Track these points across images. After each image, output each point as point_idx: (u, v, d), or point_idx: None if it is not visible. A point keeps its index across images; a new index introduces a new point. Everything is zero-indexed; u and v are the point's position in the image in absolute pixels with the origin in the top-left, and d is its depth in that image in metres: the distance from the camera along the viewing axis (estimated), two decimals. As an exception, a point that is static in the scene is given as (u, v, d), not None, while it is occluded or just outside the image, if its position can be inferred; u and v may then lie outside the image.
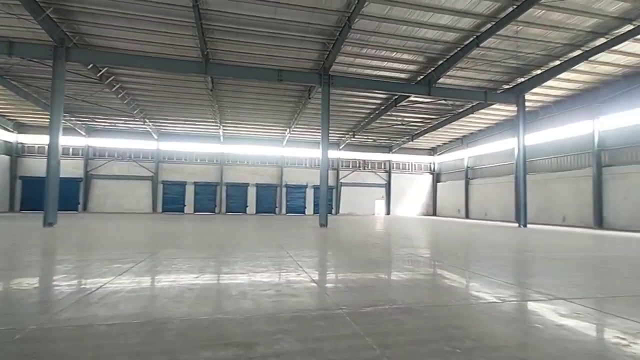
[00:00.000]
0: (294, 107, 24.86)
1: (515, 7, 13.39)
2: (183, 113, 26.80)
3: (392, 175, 38.25)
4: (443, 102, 23.04)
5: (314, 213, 33.75)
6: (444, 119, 27.60)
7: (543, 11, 13.71)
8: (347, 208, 36.59)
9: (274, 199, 34.64)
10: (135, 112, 25.36)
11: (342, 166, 36.85)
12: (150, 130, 30.61)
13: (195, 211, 32.62)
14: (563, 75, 18.77)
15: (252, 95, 22.87)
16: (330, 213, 34.89)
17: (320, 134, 19.10)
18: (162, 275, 5.37)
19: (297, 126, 29.42)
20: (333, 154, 34.98)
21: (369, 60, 18.00)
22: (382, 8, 13.71)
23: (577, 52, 16.66)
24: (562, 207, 23.32)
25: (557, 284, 5.28)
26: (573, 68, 17.68)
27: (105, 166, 31.70)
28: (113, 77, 20.02)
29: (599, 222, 20.58)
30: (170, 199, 32.50)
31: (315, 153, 34.49)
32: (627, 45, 15.76)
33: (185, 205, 32.74)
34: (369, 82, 19.34)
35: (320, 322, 3.38)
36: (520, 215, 20.49)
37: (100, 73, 19.16)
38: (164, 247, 8.71)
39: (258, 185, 34.24)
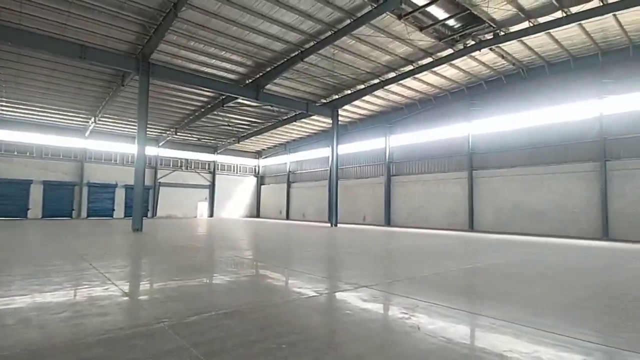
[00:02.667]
0: (103, 93, 21.12)
1: (333, 32, 15.25)
2: None
3: (217, 176, 37.39)
4: (269, 107, 24.11)
5: (126, 216, 29.53)
6: (270, 124, 28.91)
7: (354, 41, 16.13)
8: (166, 210, 33.57)
9: (70, 200, 28.45)
10: None
11: (161, 165, 33.61)
12: None
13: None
14: (366, 97, 22.61)
15: (44, 71, 18.19)
16: (146, 216, 31.26)
17: (135, 128, 16.85)
18: None
19: (106, 116, 25.16)
20: (151, 150, 31.53)
21: (197, 55, 17.08)
22: (213, 3, 13.23)
23: (377, 80, 20.34)
24: (363, 208, 27.89)
25: (360, 274, 6.20)
26: (373, 93, 21.50)
27: None
28: None
29: (388, 220, 25.60)
30: None
31: (129, 148, 30.30)
32: (409, 81, 20.29)
33: None
34: (195, 77, 18.34)
35: (137, 340, 2.89)
36: (332, 216, 23.38)
37: None
38: None
39: (47, 183, 27.42)
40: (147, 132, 16.38)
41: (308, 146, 34.03)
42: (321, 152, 32.39)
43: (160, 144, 32.70)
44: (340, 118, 25.34)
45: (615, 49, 16.24)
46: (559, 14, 13.51)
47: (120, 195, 30.67)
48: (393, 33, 15.37)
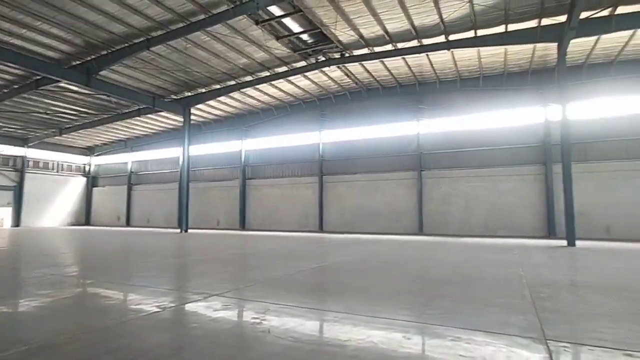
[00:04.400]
0: None
1: (185, 24, 14.27)
2: None
3: (27, 175, 30.04)
4: (105, 97, 20.87)
5: None
6: (106, 116, 25.03)
7: (209, 38, 15.45)
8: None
9: None
10: None
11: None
12: None
13: None
14: (222, 98, 21.97)
15: None
16: None
17: None
18: None
19: None
20: None
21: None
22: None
23: (233, 82, 20.00)
24: (217, 212, 26.88)
25: (211, 282, 5.90)
26: (230, 94, 21.06)
27: None
28: None
29: (243, 224, 25.35)
30: None
31: None
32: (265, 87, 20.65)
33: None
34: (-3, 47, 14.43)
35: None
36: (182, 221, 21.75)
37: None
38: None
39: None
40: None
41: (156, 145, 30.87)
42: (171, 151, 29.86)
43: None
44: (193, 117, 23.91)
45: (428, 81, 20.24)
46: (390, 47, 16.00)
47: None
48: (250, 37, 15.42)
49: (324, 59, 17.40)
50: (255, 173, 25.83)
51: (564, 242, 13.04)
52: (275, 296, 4.77)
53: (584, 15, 12.03)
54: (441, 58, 17.34)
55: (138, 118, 24.75)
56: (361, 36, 15.43)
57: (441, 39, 15.12)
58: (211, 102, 22.57)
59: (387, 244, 13.47)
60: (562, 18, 13.01)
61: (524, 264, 8.03)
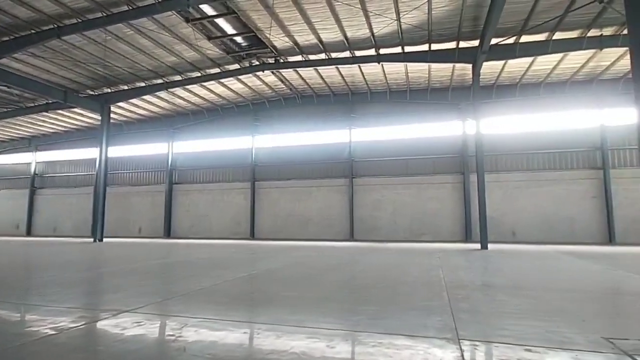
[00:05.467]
0: None
1: (105, 15, 13.08)
2: None
3: None
4: (5, 88, 18.26)
5: None
6: (5, 110, 21.91)
7: (133, 32, 14.34)
8: None
9: None
10: None
11: None
12: None
13: None
14: (148, 97, 20.48)
15: None
16: None
17: None
18: None
19: None
20: None
21: None
22: None
23: (160, 81, 18.77)
24: (139, 219, 24.86)
25: (124, 296, 5.33)
26: (156, 94, 19.72)
27: None
28: None
29: (169, 232, 23.76)
30: None
31: None
32: (196, 88, 19.71)
33: None
34: None
35: None
36: (97, 229, 19.70)
37: None
38: None
39: None
40: None
41: (68, 144, 27.78)
42: (86, 152, 27.04)
43: None
44: (114, 116, 21.99)
45: (360, 91, 21.03)
46: (324, 56, 16.32)
47: None
48: (180, 35, 14.64)
49: (258, 63, 17.17)
50: (184, 177, 24.47)
51: (479, 246, 14.29)
52: (196, 309, 4.45)
53: (494, 41, 13.47)
54: (372, 70, 18.14)
55: (46, 114, 22.03)
56: (296, 43, 15.52)
57: (372, 52, 15.82)
58: (135, 101, 20.95)
59: (319, 250, 13.57)
60: (476, 42, 14.43)
61: (443, 266, 8.59)
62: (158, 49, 15.63)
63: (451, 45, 15.01)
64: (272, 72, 18.11)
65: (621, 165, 17.74)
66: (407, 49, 15.51)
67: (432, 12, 12.93)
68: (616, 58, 15.79)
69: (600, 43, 13.85)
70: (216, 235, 22.79)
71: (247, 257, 11.24)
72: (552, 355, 2.90)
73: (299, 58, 16.62)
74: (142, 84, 19.08)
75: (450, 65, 16.63)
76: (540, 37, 14.10)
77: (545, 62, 16.52)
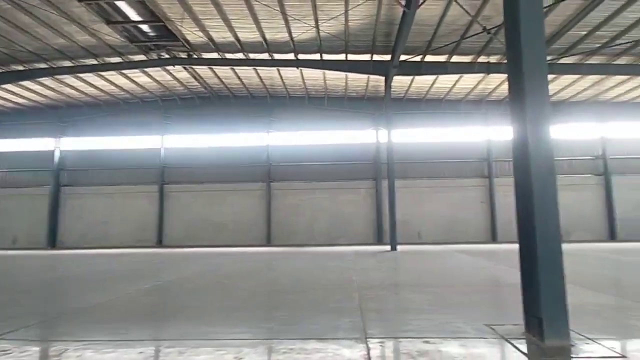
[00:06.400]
0: None
1: (-27, -20, 10.88)
2: None
3: None
4: None
5: None
6: None
7: (10, 6, 12.15)
8: None
9: None
10: None
11: None
12: None
13: None
14: (28, 83, 17.56)
15: None
16: None
17: None
18: None
19: None
20: None
21: None
22: None
23: (45, 65, 16.21)
24: (14, 227, 21.10)
25: (-18, 320, 4.34)
26: (40, 80, 17.03)
27: None
28: None
29: (53, 242, 20.61)
30: None
31: None
32: (91, 77, 17.45)
33: None
34: None
35: None
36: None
37: None
38: None
39: None
40: None
41: None
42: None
43: None
44: (-18, 103, 18.36)
45: (279, 94, 20.93)
46: (241, 55, 15.85)
47: None
48: (70, 14, 12.78)
49: (168, 56, 15.94)
50: (75, 179, 21.50)
51: (389, 247, 15.17)
52: (84, 330, 3.80)
53: (403, 57, 14.55)
54: (291, 75, 18.20)
55: None
56: (211, 39, 14.80)
57: (291, 56, 15.86)
58: (11, 87, 17.77)
59: (234, 256, 13.02)
60: (388, 57, 15.44)
61: (356, 268, 8.86)
62: (42, 27, 13.40)
63: (366, 57, 15.82)
64: (185, 68, 16.99)
65: (502, 175, 20.57)
66: (326, 56, 15.90)
67: (349, 23, 13.47)
68: (499, 83, 18.32)
69: (488, 69, 15.93)
70: (117, 243, 20.40)
71: (153, 266, 10.23)
72: (445, 345, 3.13)
73: (214, 55, 15.86)
74: (20, 68, 16.23)
75: (365, 76, 17.52)
76: (442, 58, 15.68)
77: (445, 81, 18.42)
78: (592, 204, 20.12)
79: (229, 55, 15.89)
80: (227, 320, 4.13)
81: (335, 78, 18.62)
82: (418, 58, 15.41)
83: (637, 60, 15.42)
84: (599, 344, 3.11)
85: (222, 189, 20.77)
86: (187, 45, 15.06)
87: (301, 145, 21.16)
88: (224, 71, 17.74)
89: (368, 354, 2.96)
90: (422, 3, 10.74)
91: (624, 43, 13.70)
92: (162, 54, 15.76)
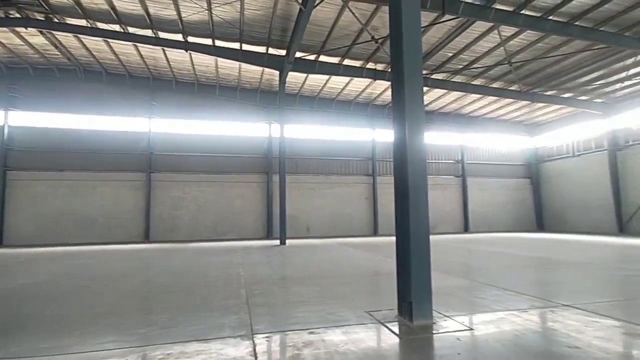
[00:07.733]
0: None
1: None
2: None
3: None
4: None
5: None
6: None
7: None
8: None
9: None
10: None
11: None
12: None
13: None
14: None
15: None
16: None
17: None
18: None
19: None
20: None
21: None
22: None
23: None
24: None
25: None
26: None
27: None
28: None
29: None
30: None
31: None
32: None
33: None
34: None
35: None
36: None
37: None
38: None
39: None
40: None
41: None
42: None
43: None
44: None
45: (163, 78, 19.07)
46: (118, 28, 13.93)
47: None
48: None
49: (19, 16, 13.03)
50: None
51: (278, 242, 15.28)
52: None
53: (298, 54, 14.73)
54: (179, 57, 16.76)
55: None
56: (78, 3, 12.60)
57: (179, 37, 14.59)
58: None
59: (104, 255, 11.42)
60: (284, 52, 15.46)
61: (244, 264, 8.67)
62: None
63: (262, 49, 15.52)
64: (41, 32, 14.10)
65: (384, 174, 22.69)
66: (219, 43, 15.05)
67: (245, 12, 13.00)
68: (384, 89, 20.10)
69: (375, 75, 17.29)
70: None
71: (-14, 272, 8.24)
72: (329, 334, 3.29)
73: (82, 22, 13.53)
74: None
75: (260, 68, 17.19)
76: (335, 60, 16.39)
77: (337, 82, 19.33)
78: (452, 201, 23.77)
79: (101, 25, 13.76)
80: (93, 329, 3.57)
81: (228, 67, 17.85)
82: (313, 57, 15.82)
83: (487, 83, 18.71)
84: (454, 320, 3.65)
85: (90, 178, 17.96)
86: (46, 6, 12.51)
87: (188, 135, 19.70)
88: (95, 43, 15.29)
89: (254, 350, 2.90)
90: (318, 4, 11.02)
91: (479, 67, 16.47)
92: (12, 12, 12.78)
